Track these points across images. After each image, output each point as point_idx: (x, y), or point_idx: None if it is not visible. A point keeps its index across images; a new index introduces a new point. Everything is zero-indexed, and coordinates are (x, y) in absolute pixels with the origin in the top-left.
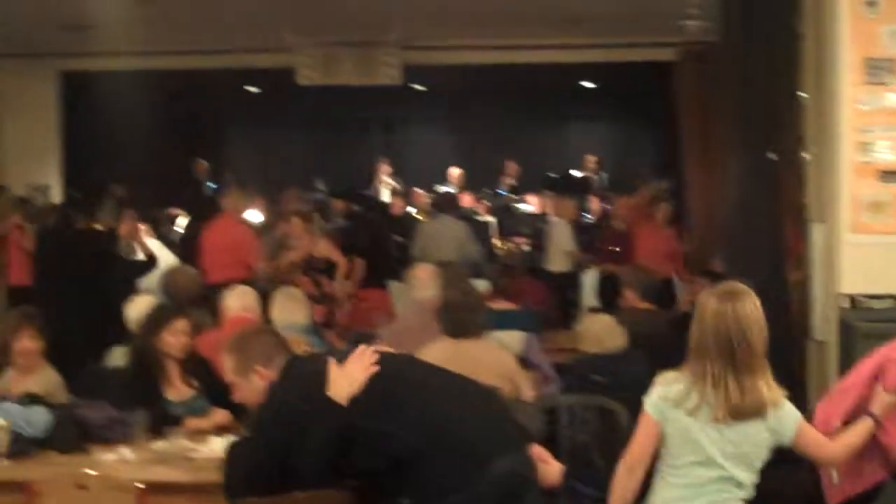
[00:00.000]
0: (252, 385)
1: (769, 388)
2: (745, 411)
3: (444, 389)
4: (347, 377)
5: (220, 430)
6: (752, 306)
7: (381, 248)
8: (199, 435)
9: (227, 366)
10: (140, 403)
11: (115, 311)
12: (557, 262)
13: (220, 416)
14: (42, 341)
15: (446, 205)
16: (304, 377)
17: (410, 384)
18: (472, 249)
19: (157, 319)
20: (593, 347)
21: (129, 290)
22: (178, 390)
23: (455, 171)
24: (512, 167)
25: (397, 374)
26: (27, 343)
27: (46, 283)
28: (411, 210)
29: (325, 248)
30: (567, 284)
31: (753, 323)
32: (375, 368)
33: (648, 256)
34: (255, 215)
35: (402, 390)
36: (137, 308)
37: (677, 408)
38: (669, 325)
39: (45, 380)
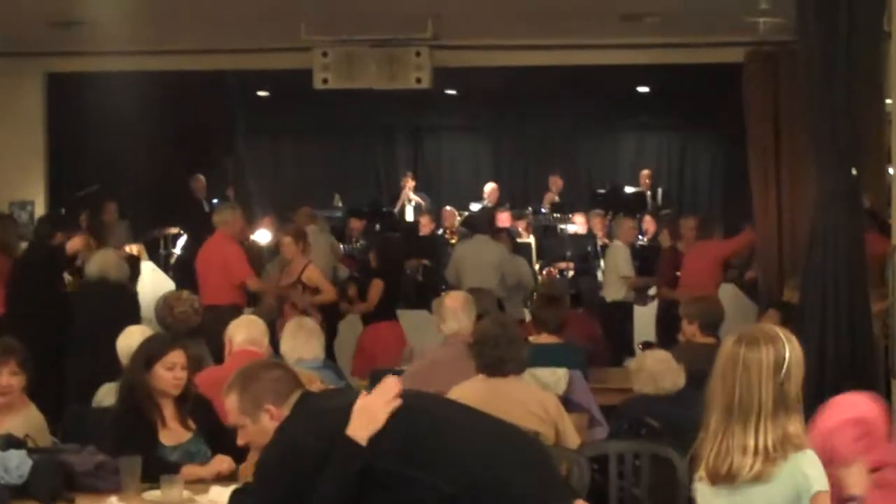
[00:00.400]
0: (261, 427)
1: (778, 449)
2: (718, 476)
3: (479, 433)
4: (368, 413)
5: (222, 480)
6: (770, 354)
7: (391, 274)
8: (198, 484)
9: (231, 405)
10: (131, 448)
11: (101, 342)
12: (612, 290)
13: (222, 463)
14: (24, 377)
15: (481, 224)
16: (318, 414)
17: (440, 424)
18: (512, 275)
19: (150, 352)
20: (647, 387)
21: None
22: (173, 433)
23: (490, 187)
24: (556, 182)
25: (426, 412)
26: (6, 379)
27: (18, 310)
28: (442, 231)
29: (315, 275)
30: (622, 316)
31: (763, 373)
32: (400, 403)
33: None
34: (263, 235)
35: (431, 431)
36: (129, 339)
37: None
38: None
39: (27, 420)
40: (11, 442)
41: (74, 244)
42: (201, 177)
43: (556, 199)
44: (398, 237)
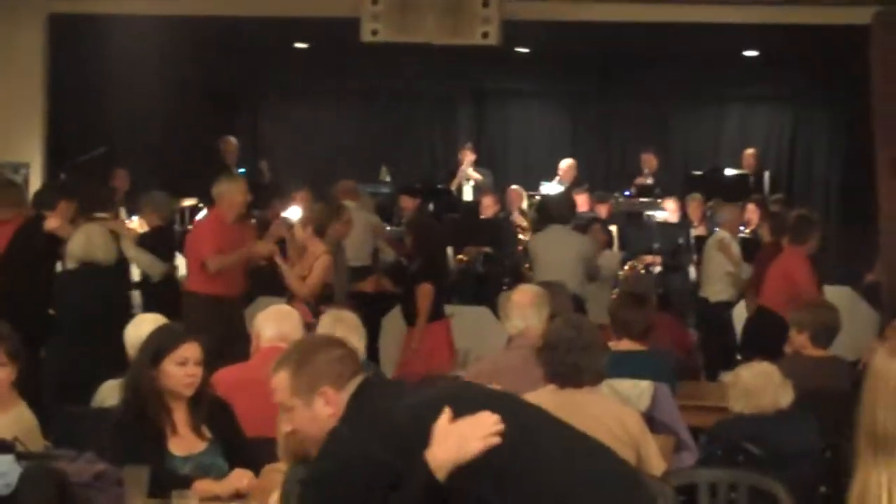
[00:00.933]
0: (314, 412)
1: None
2: None
3: (569, 457)
4: (457, 441)
5: (240, 498)
6: None
7: (436, 270)
8: (213, 502)
9: (281, 383)
10: (136, 457)
11: (105, 333)
12: (715, 289)
13: (241, 478)
14: (14, 369)
15: (559, 211)
16: (386, 416)
17: (534, 452)
18: (596, 271)
19: (158, 344)
20: (746, 406)
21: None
22: (185, 441)
23: (567, 163)
24: (649, 161)
25: (522, 444)
26: None
27: (13, 293)
28: (506, 213)
29: (317, 265)
30: (723, 320)
31: None
32: (497, 441)
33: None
34: (296, 212)
35: (521, 460)
36: (139, 329)
37: None
38: (851, 379)
39: (16, 420)
40: None
41: (51, 222)
42: (233, 139)
43: (649, 180)
44: (434, 221)
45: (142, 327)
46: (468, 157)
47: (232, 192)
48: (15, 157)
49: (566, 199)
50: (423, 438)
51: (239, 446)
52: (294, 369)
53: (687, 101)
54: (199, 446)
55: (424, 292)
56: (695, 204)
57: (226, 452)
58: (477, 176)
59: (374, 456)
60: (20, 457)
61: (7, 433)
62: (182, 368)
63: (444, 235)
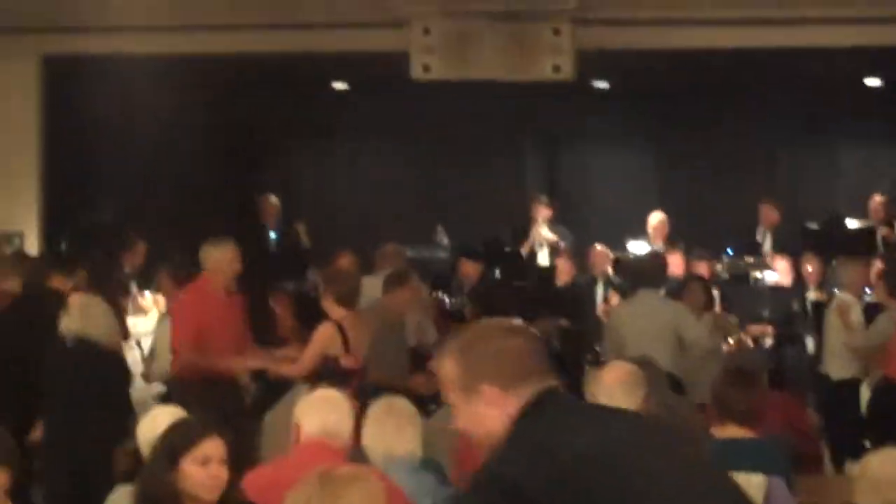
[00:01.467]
0: (475, 410)
1: None
2: None
3: None
4: None
5: None
6: None
7: None
8: None
9: (445, 373)
10: None
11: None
12: (838, 364)
13: None
14: (8, 476)
15: (649, 273)
16: (553, 453)
17: None
18: (695, 341)
19: (175, 441)
20: (878, 501)
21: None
22: None
23: (658, 219)
24: (769, 214)
25: None
26: None
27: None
28: (588, 279)
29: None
30: (850, 401)
31: None
32: None
33: None
34: None
35: None
36: (155, 424)
37: None
38: None
39: None
40: None
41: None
42: (273, 198)
43: (768, 237)
44: (503, 290)
45: (158, 421)
46: (542, 212)
47: (221, 259)
48: (7, 224)
49: (655, 260)
50: (580, 495)
51: None
52: (457, 357)
53: (798, 140)
54: None
55: None
56: (811, 263)
57: None
58: (551, 237)
59: (524, 493)
60: None
61: None
62: (204, 469)
63: (512, 307)
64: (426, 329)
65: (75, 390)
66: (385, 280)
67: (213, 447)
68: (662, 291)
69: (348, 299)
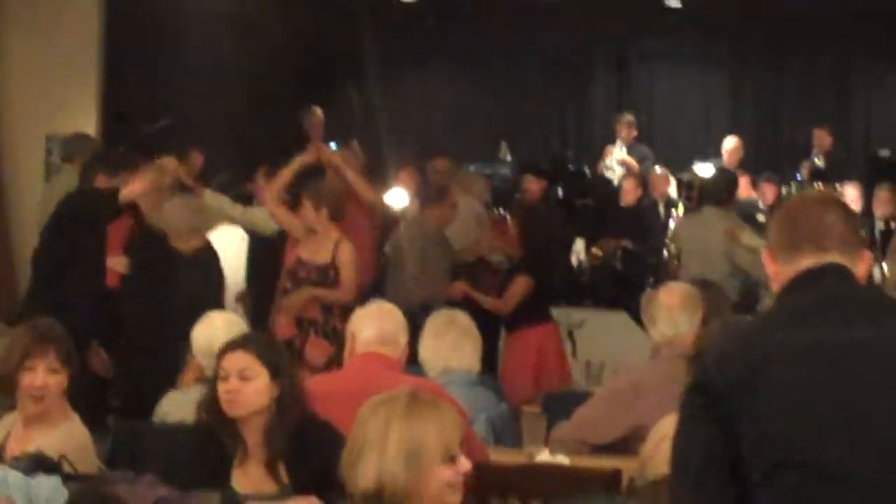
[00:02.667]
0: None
1: None
2: None
3: None
4: None
5: None
6: None
7: (541, 263)
8: None
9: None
10: (202, 482)
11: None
12: None
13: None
14: (66, 376)
15: (715, 188)
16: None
17: None
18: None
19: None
20: None
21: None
22: (252, 477)
23: (733, 143)
24: (822, 139)
25: None
26: (42, 377)
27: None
28: (650, 201)
29: (346, 258)
30: None
31: None
32: None
33: None
34: (398, 196)
35: None
36: (209, 329)
37: None
38: None
39: (67, 436)
40: (42, 463)
41: (135, 188)
42: (318, 110)
43: (820, 162)
44: (547, 208)
45: (212, 328)
46: (625, 132)
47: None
48: (64, 129)
49: (726, 176)
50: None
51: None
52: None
53: (871, 66)
54: (269, 487)
55: (519, 285)
56: (884, 193)
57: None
58: (628, 159)
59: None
60: (68, 478)
61: (55, 451)
62: (222, 384)
63: (557, 225)
64: (491, 245)
65: (162, 294)
66: (422, 196)
67: (231, 360)
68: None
69: (340, 215)
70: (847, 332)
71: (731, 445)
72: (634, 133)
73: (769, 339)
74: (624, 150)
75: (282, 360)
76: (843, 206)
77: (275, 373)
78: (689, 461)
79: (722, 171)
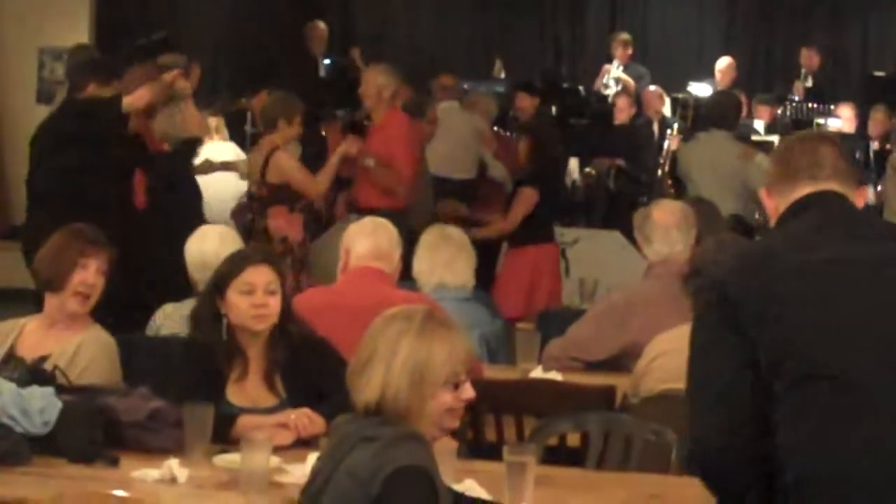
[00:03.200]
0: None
1: None
2: None
3: None
4: None
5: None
6: None
7: (549, 178)
8: (292, 450)
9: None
10: (197, 396)
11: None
12: None
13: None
14: (107, 257)
15: (722, 111)
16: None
17: None
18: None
19: (221, 271)
20: None
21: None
22: (248, 391)
23: (726, 62)
24: (809, 58)
25: None
26: (94, 276)
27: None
28: (642, 119)
29: (283, 165)
30: None
31: None
32: None
33: None
34: None
35: None
36: (202, 244)
37: None
38: None
39: (94, 338)
40: (36, 374)
41: (141, 96)
42: (321, 24)
43: (809, 83)
44: (551, 122)
45: (206, 242)
46: (621, 51)
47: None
48: (57, 41)
49: (731, 99)
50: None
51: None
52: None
53: None
54: (267, 401)
55: (524, 197)
56: (879, 115)
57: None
58: (625, 77)
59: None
60: (61, 390)
61: (88, 354)
62: (247, 298)
63: (561, 144)
64: (491, 163)
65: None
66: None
67: (257, 274)
68: (734, 134)
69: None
70: (863, 248)
71: (754, 353)
72: (630, 52)
73: (784, 257)
74: (620, 68)
75: (285, 272)
76: (837, 142)
77: (283, 286)
78: (720, 370)
79: (726, 94)
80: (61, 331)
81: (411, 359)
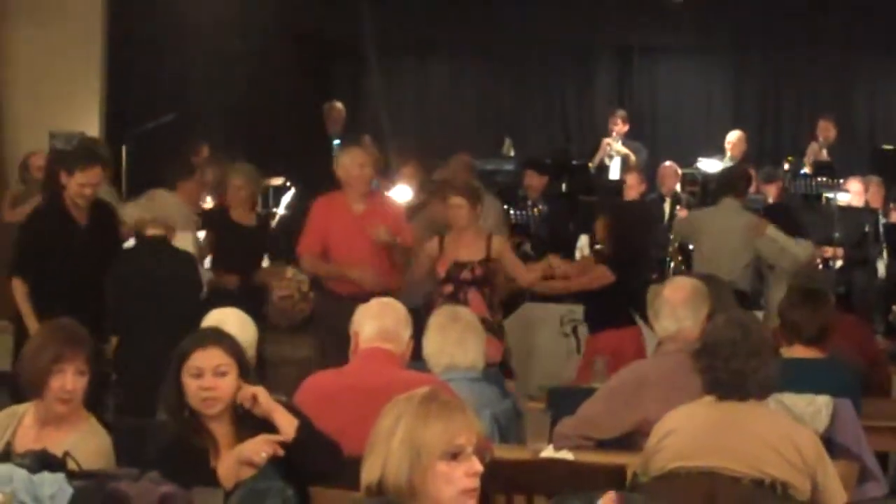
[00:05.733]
0: None
1: None
2: None
3: None
4: None
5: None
6: None
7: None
8: None
9: None
10: (187, 477)
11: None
12: None
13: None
14: (87, 378)
15: (730, 185)
16: None
17: None
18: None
19: (175, 355)
20: None
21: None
22: (230, 468)
23: (736, 136)
24: (826, 130)
25: None
26: (72, 381)
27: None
28: (655, 195)
29: (506, 251)
30: None
31: None
32: None
33: None
34: (403, 190)
35: None
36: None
37: None
38: None
39: (85, 439)
40: (47, 461)
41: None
42: (339, 105)
43: (825, 154)
44: (638, 208)
45: (225, 325)
46: (619, 127)
47: (348, 165)
48: (68, 125)
49: (742, 171)
50: None
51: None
52: None
53: (875, 60)
54: (247, 472)
55: (599, 273)
56: (875, 188)
57: (288, 470)
58: (626, 151)
59: None
60: (72, 476)
61: (80, 453)
62: (196, 381)
63: (649, 225)
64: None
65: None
66: (427, 190)
67: (205, 358)
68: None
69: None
70: None
71: None
72: (627, 128)
73: None
74: (619, 142)
75: (242, 351)
76: None
77: (239, 364)
78: None
79: (737, 165)
80: (53, 430)
81: (408, 435)
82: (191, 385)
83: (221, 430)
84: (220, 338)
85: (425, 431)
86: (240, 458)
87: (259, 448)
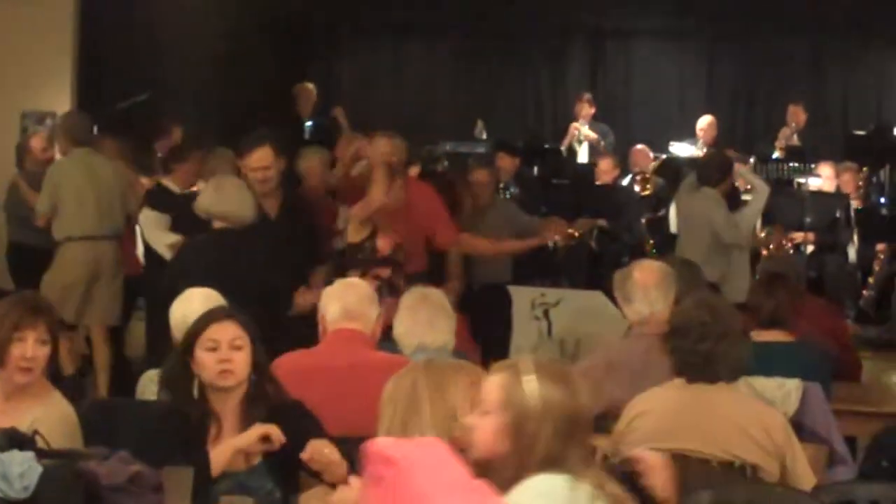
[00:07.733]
0: None
1: None
2: None
3: None
4: None
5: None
6: None
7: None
8: None
9: None
10: (176, 460)
11: None
12: None
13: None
14: (50, 349)
15: (708, 172)
16: None
17: None
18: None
19: (190, 329)
20: None
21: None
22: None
23: (707, 121)
24: (796, 115)
25: None
26: (32, 349)
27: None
28: (629, 179)
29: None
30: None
31: None
32: None
33: None
34: None
35: None
36: (187, 307)
37: None
38: None
39: (52, 408)
40: (15, 439)
41: None
42: (310, 86)
43: (795, 139)
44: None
45: (191, 304)
46: (585, 110)
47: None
48: (39, 105)
49: (720, 159)
50: None
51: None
52: None
53: (846, 44)
54: (243, 464)
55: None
56: (849, 174)
57: (282, 473)
58: (593, 135)
59: None
60: (41, 454)
61: (43, 425)
62: (212, 354)
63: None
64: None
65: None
66: None
67: (222, 331)
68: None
69: None
70: None
71: None
72: (593, 110)
73: None
74: (585, 126)
75: (256, 331)
76: None
77: (253, 343)
78: None
79: (717, 153)
80: (17, 403)
81: None
82: (207, 359)
83: (229, 412)
84: (233, 313)
85: None
86: (238, 447)
87: (261, 448)
